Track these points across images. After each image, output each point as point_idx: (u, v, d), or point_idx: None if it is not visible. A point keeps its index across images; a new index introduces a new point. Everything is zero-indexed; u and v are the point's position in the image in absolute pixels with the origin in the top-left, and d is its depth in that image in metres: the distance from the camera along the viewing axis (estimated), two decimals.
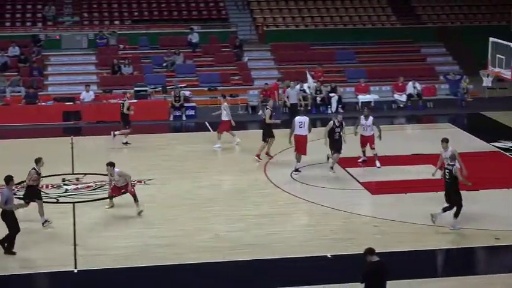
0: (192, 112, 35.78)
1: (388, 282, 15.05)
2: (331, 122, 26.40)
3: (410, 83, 37.82)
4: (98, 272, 18.95)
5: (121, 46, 42.22)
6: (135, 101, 35.60)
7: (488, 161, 27.97)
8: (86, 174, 26.49)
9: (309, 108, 35.78)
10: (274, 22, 45.71)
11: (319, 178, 26.28)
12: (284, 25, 45.54)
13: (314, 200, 23.81)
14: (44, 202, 22.06)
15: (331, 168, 26.41)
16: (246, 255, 19.79)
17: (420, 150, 28.71)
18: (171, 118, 35.43)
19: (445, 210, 21.48)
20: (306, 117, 27.05)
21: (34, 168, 21.49)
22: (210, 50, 42.39)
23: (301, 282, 18.24)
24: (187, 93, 37.02)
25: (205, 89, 38.73)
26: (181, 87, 37.21)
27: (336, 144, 26.31)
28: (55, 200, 23.90)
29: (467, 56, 42.65)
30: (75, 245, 20.24)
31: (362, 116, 27.29)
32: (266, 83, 37.00)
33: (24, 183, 22.26)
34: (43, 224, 21.33)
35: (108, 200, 23.13)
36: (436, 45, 44.60)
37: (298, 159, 26.61)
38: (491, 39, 28.58)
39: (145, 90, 36.65)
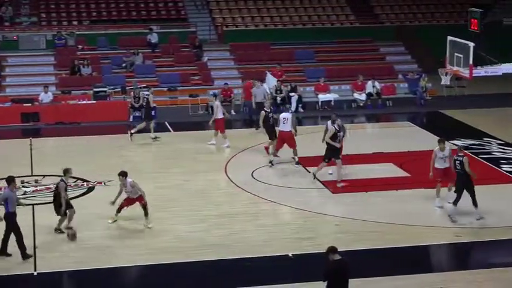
0: (152, 113, 35.51)
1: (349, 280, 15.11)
2: (331, 127, 25.16)
3: (369, 82, 38.01)
4: (59, 274, 18.81)
5: (79, 47, 41.95)
6: (94, 101, 35.47)
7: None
8: (45, 176, 26.25)
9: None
10: (234, 22, 45.70)
11: (281, 177, 26.32)
12: (243, 25, 45.54)
13: (275, 200, 23.82)
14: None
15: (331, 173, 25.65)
16: (208, 255, 19.75)
17: (380, 148, 28.86)
18: (131, 119, 35.23)
19: (455, 203, 21.84)
20: (289, 113, 27.37)
21: (62, 180, 21.11)
22: (170, 50, 42.27)
23: (263, 282, 18.24)
24: (146, 93, 36.80)
25: (165, 89, 38.58)
26: (140, 87, 37.03)
27: (337, 151, 25.09)
28: None
29: (425, 55, 42.98)
30: (34, 247, 20.03)
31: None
32: (226, 83, 37.02)
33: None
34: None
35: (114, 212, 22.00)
36: (394, 44, 44.89)
37: (295, 154, 27.08)
38: (449, 38, 28.68)
39: (105, 91, 36.44)
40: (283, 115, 27.20)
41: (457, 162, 22.09)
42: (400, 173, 26.61)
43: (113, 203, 21.81)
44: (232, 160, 28.18)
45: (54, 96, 36.29)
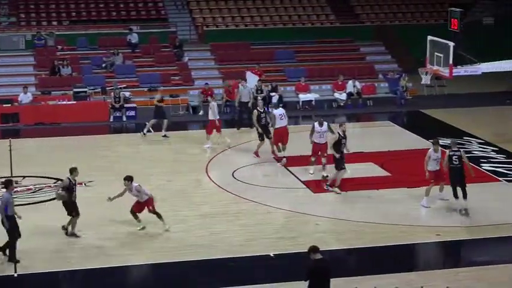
0: (132, 113, 35.53)
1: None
2: (336, 133, 24.65)
3: (350, 82, 38.06)
4: (39, 275, 18.72)
5: (59, 47, 41.74)
6: (74, 102, 35.33)
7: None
8: (24, 177, 26.12)
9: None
10: (214, 22, 45.65)
11: (261, 177, 26.33)
12: (224, 25, 45.51)
13: (256, 200, 23.81)
14: None
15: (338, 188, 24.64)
16: (189, 255, 19.73)
17: (361, 148, 28.87)
18: (111, 119, 35.14)
19: (457, 197, 22.52)
20: (282, 109, 27.80)
21: (68, 178, 20.87)
22: (150, 50, 42.15)
23: (244, 282, 18.24)
24: (127, 94, 36.76)
25: (145, 89, 38.47)
26: (120, 88, 36.94)
27: (342, 160, 24.46)
28: None
29: (405, 55, 43.08)
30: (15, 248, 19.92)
31: (316, 123, 25.85)
32: (206, 83, 36.96)
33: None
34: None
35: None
36: (375, 44, 44.96)
37: (284, 149, 27.29)
38: (429, 37, 28.82)
39: (85, 91, 36.30)
40: (278, 111, 27.39)
41: (454, 157, 22.52)
42: (380, 172, 26.67)
43: (111, 199, 21.48)
44: (213, 160, 28.16)
45: (34, 97, 36.13)
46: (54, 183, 25.31)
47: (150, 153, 29.44)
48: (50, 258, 19.57)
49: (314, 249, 15.14)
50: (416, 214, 22.66)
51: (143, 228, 21.32)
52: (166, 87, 38.61)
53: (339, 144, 24.22)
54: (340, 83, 38.16)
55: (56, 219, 21.31)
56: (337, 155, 24.14)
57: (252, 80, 36.63)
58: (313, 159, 25.91)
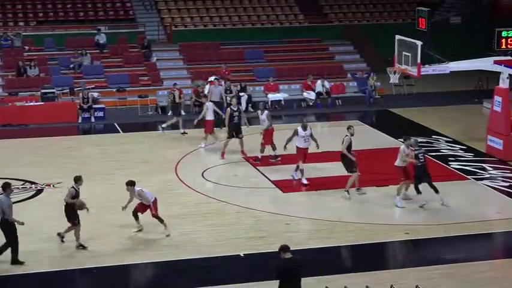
0: (100, 114, 35.34)
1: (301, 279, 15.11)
2: (347, 137, 24.09)
3: (319, 81, 38.13)
4: (13, 278, 18.59)
5: (26, 48, 41.44)
6: (41, 103, 35.08)
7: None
8: None
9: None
10: (182, 22, 45.54)
11: (231, 177, 26.28)
12: (192, 25, 45.41)
13: (226, 200, 23.78)
14: None
15: (358, 189, 24.39)
16: (160, 256, 19.65)
17: (330, 147, 28.88)
18: (80, 120, 34.93)
19: (419, 191, 23.16)
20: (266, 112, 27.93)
21: (73, 187, 20.45)
22: (118, 51, 41.96)
23: (215, 282, 18.21)
24: (95, 94, 36.56)
25: (114, 90, 38.30)
26: (89, 88, 36.73)
27: (353, 162, 24.07)
28: None
29: (374, 54, 43.26)
30: None
31: (299, 128, 25.28)
32: (175, 83, 36.78)
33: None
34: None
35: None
36: (343, 44, 45.11)
37: (262, 151, 27.51)
38: (397, 36, 28.95)
39: (53, 92, 36.02)
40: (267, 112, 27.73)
41: (420, 154, 22.99)
42: None
43: (124, 208, 21.19)
44: (182, 160, 28.08)
45: (1, 98, 35.85)
46: (22, 185, 25.14)
47: (119, 154, 29.30)
48: (31, 259, 19.34)
49: (284, 248, 15.14)
50: (385, 212, 22.76)
51: (139, 231, 21.14)
52: (134, 88, 38.56)
53: (350, 147, 24.05)
54: (309, 82, 38.21)
55: (26, 220, 21.11)
56: (353, 158, 24.00)
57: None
58: (300, 165, 25.28)
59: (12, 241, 19.06)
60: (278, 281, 14.96)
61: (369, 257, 20.08)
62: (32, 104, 34.89)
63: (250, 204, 23.45)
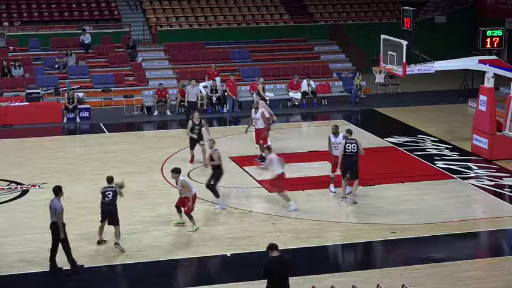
0: (86, 114, 35.24)
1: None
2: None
3: (304, 81, 38.15)
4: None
5: (11, 48, 41.27)
6: (26, 103, 34.95)
7: (382, 156, 28.41)
8: None
9: (205, 107, 35.75)
10: (168, 22, 45.47)
11: None
12: (178, 25, 45.34)
13: (212, 200, 23.73)
14: None
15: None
16: (146, 257, 19.61)
17: (316, 147, 28.96)
18: (65, 120, 34.82)
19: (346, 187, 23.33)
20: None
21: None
22: (103, 51, 41.86)
23: (202, 283, 18.18)
24: (80, 94, 36.47)
25: (99, 90, 38.20)
26: (74, 88, 36.62)
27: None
28: None
29: (359, 53, 43.31)
30: None
31: (331, 135, 24.15)
32: (161, 83, 36.77)
33: None
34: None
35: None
36: (329, 43, 45.13)
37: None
38: (382, 36, 28.98)
39: (38, 93, 35.89)
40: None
41: (352, 145, 22.93)
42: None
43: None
44: (169, 160, 28.02)
45: None
46: (8, 185, 25.04)
47: (105, 154, 29.21)
48: (5, 261, 19.30)
49: (271, 247, 15.16)
50: (371, 212, 22.76)
51: (179, 224, 21.51)
52: (120, 88, 38.46)
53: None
54: (295, 82, 38.22)
55: (10, 221, 21.07)
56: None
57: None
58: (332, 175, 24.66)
59: (58, 243, 18.85)
60: (266, 279, 14.96)
61: (356, 256, 20.12)
62: (16, 104, 34.76)
63: (236, 204, 23.42)
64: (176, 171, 21.21)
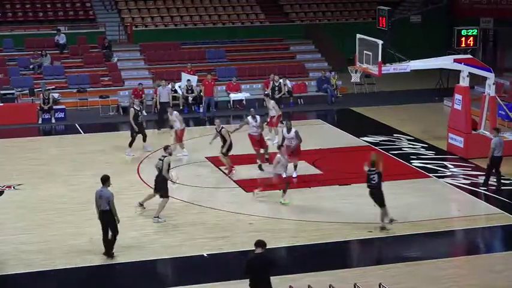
0: (61, 114, 35.08)
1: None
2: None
3: (280, 81, 38.11)
4: None
5: None
6: (1, 104, 34.73)
7: (358, 155, 28.43)
8: None
9: (181, 108, 35.64)
10: (143, 22, 45.33)
11: (193, 177, 26.20)
12: (153, 25, 45.22)
13: (189, 200, 23.72)
14: None
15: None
16: (122, 257, 19.54)
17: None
18: (40, 121, 34.64)
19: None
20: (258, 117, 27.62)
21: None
22: (78, 51, 41.65)
23: (179, 283, 18.16)
24: (56, 95, 36.28)
25: (75, 90, 38.02)
26: (49, 89, 36.43)
27: None
28: None
29: (335, 53, 43.39)
30: None
31: (284, 128, 25.97)
32: (140, 83, 36.60)
33: None
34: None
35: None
36: (304, 43, 45.18)
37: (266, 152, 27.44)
38: (358, 35, 29.04)
39: (12, 94, 35.66)
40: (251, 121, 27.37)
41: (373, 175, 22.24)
42: (312, 170, 26.78)
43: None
44: (144, 161, 27.94)
45: None
46: None
47: (80, 155, 29.07)
48: None
49: (256, 243, 15.28)
50: (348, 211, 22.79)
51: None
52: (95, 88, 38.31)
53: None
54: (271, 82, 38.16)
55: None
56: None
57: (192, 78, 36.53)
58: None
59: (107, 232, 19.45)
60: (247, 276, 15.03)
61: (333, 255, 20.13)
62: None
63: (213, 204, 23.41)
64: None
